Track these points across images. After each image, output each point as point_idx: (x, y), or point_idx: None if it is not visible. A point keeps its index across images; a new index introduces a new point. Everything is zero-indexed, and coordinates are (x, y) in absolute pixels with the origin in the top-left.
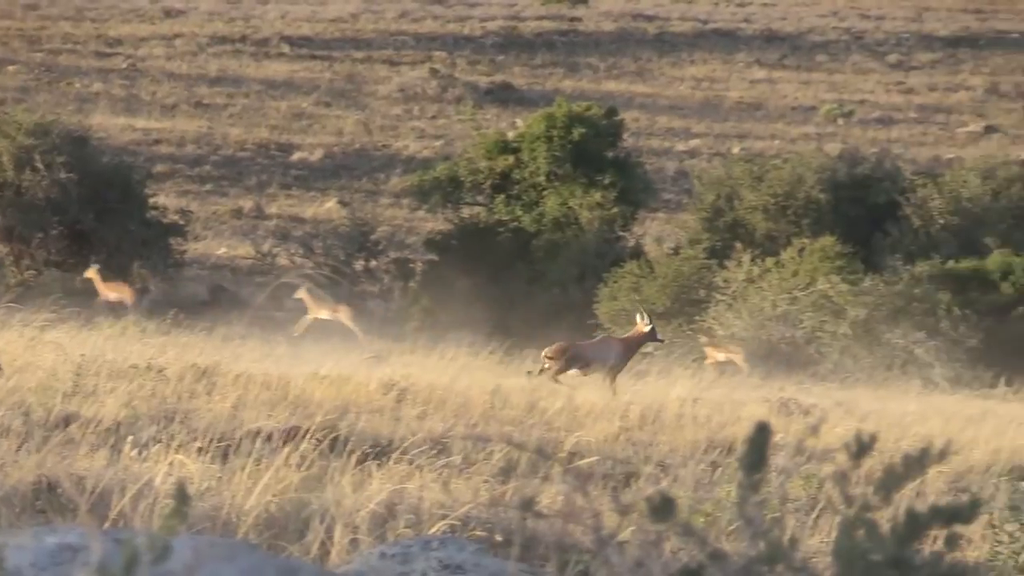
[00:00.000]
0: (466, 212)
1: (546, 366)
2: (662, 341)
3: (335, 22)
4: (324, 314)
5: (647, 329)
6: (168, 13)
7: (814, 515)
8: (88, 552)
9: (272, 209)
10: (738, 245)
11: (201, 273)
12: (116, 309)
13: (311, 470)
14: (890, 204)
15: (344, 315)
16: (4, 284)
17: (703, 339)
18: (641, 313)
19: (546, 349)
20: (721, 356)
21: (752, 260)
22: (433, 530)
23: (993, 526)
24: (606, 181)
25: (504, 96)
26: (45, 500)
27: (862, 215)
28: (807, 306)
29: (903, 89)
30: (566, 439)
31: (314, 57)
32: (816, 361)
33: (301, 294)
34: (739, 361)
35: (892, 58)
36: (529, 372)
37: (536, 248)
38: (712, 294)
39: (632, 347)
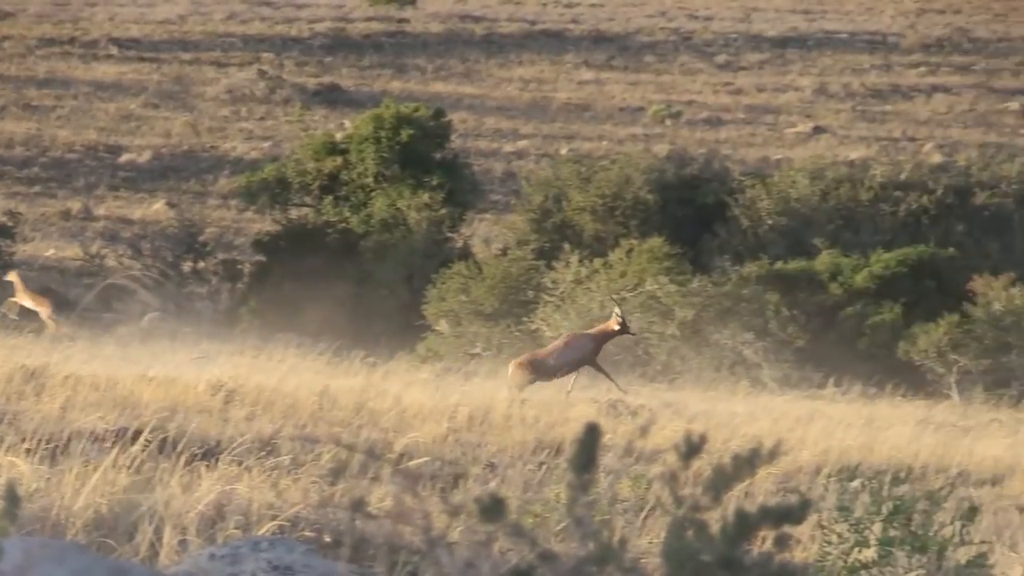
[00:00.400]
0: (294, 213)
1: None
2: (635, 334)
3: (163, 24)
4: (27, 302)
5: (617, 327)
6: None
7: (643, 516)
8: None
9: (100, 211)
10: (566, 246)
11: (30, 275)
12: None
13: (140, 471)
14: (718, 205)
15: (44, 308)
16: None
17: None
18: (616, 310)
19: (512, 363)
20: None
21: (580, 261)
22: (262, 531)
23: (822, 527)
24: (434, 182)
25: (332, 97)
26: None
27: (690, 216)
28: (635, 307)
29: (731, 90)
30: (395, 440)
31: (142, 59)
32: (644, 362)
33: (12, 277)
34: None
35: (720, 59)
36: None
37: (364, 249)
38: (540, 295)
39: (601, 341)
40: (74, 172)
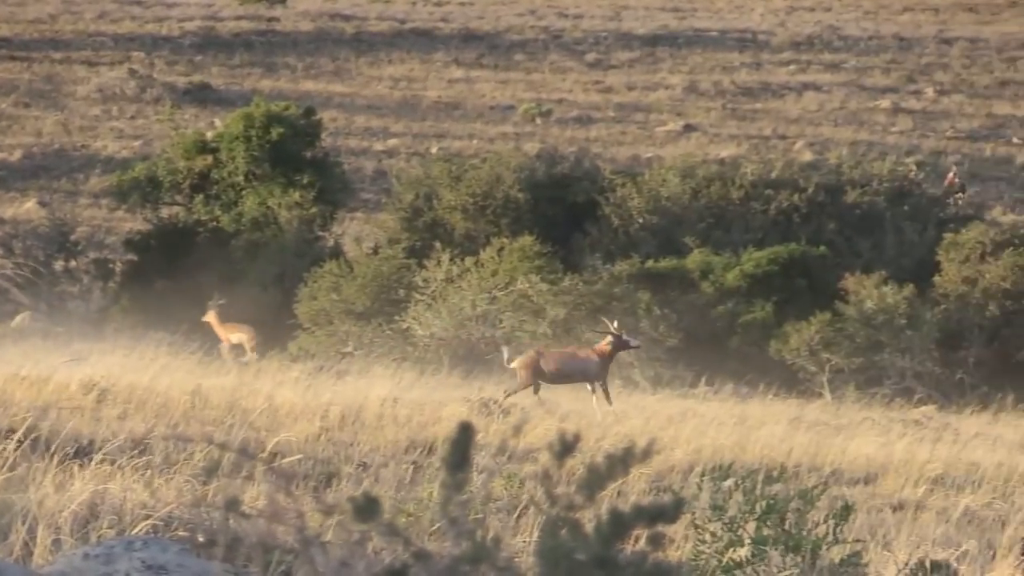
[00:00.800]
0: (165, 212)
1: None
2: (638, 347)
3: (34, 23)
4: None
5: (609, 346)
6: None
7: (517, 515)
8: None
9: None
10: (437, 245)
11: None
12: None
13: (13, 471)
14: (589, 203)
15: None
16: None
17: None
18: (612, 327)
19: (516, 359)
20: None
21: (451, 260)
22: (136, 531)
23: (696, 525)
24: (305, 181)
25: (202, 96)
26: None
27: (561, 214)
28: (507, 306)
29: (601, 88)
30: (268, 439)
31: (13, 58)
32: None
33: None
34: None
35: (590, 57)
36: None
37: (235, 248)
38: (412, 294)
39: (607, 362)
40: None
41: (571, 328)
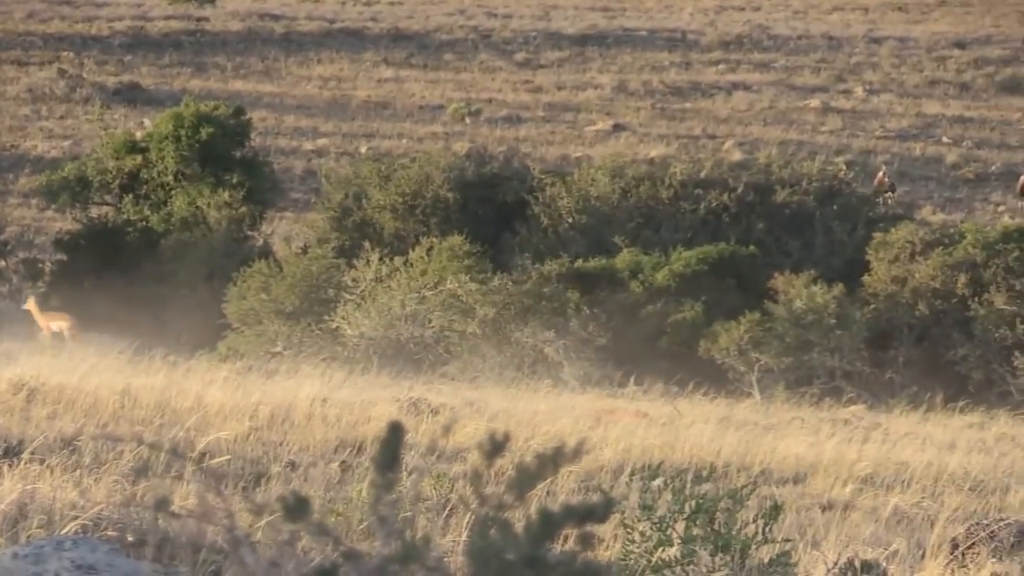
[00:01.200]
0: (95, 212)
1: None
2: None
3: None
4: None
5: None
6: None
7: (446, 514)
8: None
9: None
10: (366, 244)
11: None
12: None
13: None
14: (518, 203)
15: None
16: None
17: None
18: None
19: None
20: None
21: (381, 259)
22: (66, 530)
23: (625, 525)
24: (234, 180)
25: (132, 96)
26: None
27: (490, 214)
28: (436, 305)
29: (531, 87)
30: (197, 439)
31: None
32: (445, 360)
33: None
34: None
35: (520, 56)
36: None
37: (165, 248)
38: (341, 293)
39: None
40: None
41: (500, 328)
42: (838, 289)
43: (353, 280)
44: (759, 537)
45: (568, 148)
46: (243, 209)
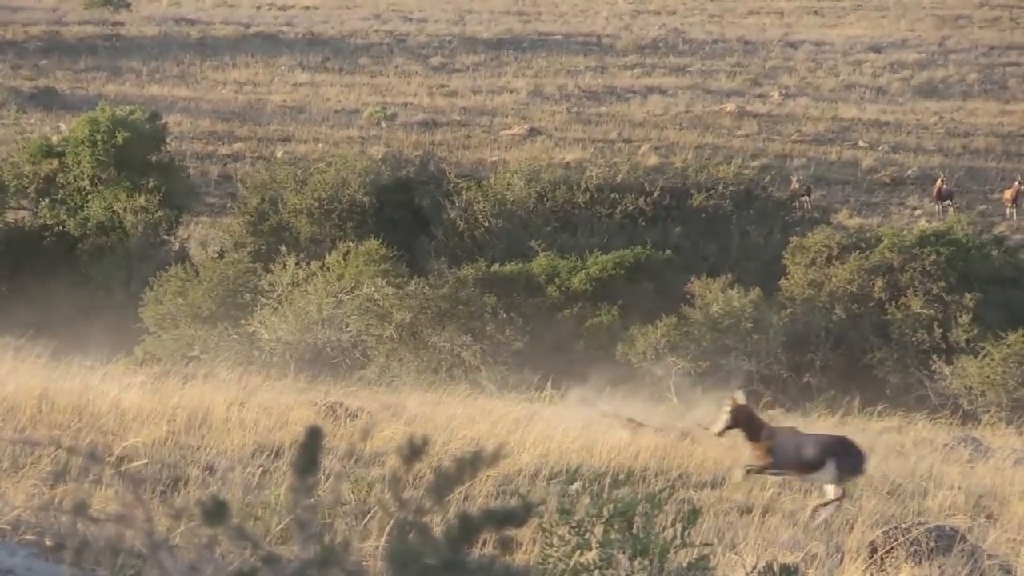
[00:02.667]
0: (11, 217)
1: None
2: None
3: None
4: None
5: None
6: None
7: (365, 519)
8: None
9: None
10: (283, 249)
11: None
12: None
13: None
14: (435, 207)
15: None
16: None
17: None
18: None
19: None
20: None
21: (297, 264)
22: None
23: (544, 529)
24: (150, 185)
25: (48, 100)
26: None
27: (407, 218)
28: (353, 309)
29: (446, 92)
30: (115, 443)
31: None
32: (363, 365)
33: None
34: None
35: (435, 61)
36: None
37: (81, 252)
38: (258, 298)
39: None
40: None
41: (417, 332)
42: (755, 293)
43: (270, 284)
44: (677, 541)
45: (484, 152)
46: (159, 213)
